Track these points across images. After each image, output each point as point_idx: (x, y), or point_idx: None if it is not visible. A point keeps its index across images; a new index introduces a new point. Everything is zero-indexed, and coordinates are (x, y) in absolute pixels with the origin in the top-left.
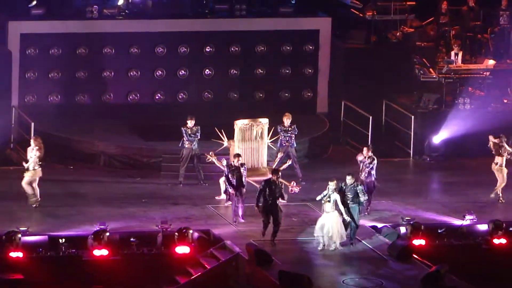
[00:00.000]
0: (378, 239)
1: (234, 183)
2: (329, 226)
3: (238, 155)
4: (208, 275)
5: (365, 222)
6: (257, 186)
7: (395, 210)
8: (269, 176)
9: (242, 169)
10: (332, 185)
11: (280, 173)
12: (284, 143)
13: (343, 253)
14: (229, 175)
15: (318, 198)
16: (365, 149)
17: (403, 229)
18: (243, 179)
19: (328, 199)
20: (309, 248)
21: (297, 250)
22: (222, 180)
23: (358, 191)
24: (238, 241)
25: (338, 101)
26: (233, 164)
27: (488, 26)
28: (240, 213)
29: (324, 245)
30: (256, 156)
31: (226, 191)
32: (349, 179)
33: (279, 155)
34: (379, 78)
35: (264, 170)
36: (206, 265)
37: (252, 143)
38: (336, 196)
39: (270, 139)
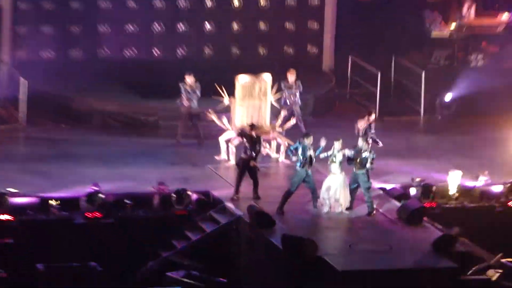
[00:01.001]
0: (388, 202)
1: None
2: (335, 188)
3: (252, 126)
4: (207, 239)
5: (373, 184)
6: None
7: (404, 171)
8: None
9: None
10: (337, 144)
11: (256, 127)
12: (288, 100)
13: (350, 216)
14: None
15: (322, 155)
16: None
17: (413, 191)
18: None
19: (334, 159)
20: (314, 211)
21: (301, 212)
22: (222, 138)
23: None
24: (239, 203)
25: (344, 57)
26: (253, 135)
27: None
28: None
29: (330, 208)
30: (258, 114)
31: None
32: (361, 143)
33: (283, 113)
34: (388, 33)
35: (267, 128)
36: (205, 229)
37: (254, 101)
38: (340, 156)
39: (273, 96)
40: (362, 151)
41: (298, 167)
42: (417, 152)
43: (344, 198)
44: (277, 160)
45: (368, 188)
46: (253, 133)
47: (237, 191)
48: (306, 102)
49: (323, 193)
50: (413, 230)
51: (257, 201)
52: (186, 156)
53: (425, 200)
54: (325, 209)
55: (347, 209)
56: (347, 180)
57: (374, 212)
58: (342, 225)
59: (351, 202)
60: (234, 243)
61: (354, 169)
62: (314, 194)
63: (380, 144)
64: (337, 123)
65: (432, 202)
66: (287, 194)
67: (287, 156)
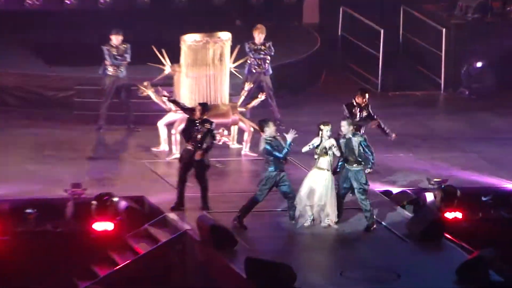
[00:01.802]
0: (394, 211)
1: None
2: (321, 192)
3: (204, 107)
4: (140, 264)
5: (375, 186)
6: (217, 135)
7: (418, 168)
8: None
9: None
10: (326, 130)
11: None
12: (255, 68)
13: (341, 232)
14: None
15: (305, 149)
16: (359, 94)
17: (430, 196)
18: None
19: (324, 150)
20: (291, 224)
21: (273, 227)
22: (162, 123)
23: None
24: (185, 213)
25: (334, 7)
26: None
27: None
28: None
29: (313, 220)
30: (213, 88)
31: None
32: (345, 126)
33: (247, 86)
34: None
35: (224, 108)
36: (137, 250)
37: (207, 69)
38: (331, 143)
39: (234, 63)
40: (347, 138)
41: (269, 169)
42: (435, 141)
43: (332, 206)
44: (238, 152)
45: (365, 192)
46: (200, 115)
47: (180, 197)
48: (281, 71)
49: (303, 199)
50: (429, 251)
51: (207, 211)
52: (112, 147)
53: (447, 209)
54: (307, 221)
55: (336, 222)
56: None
57: (375, 225)
58: (330, 244)
59: (341, 211)
60: (178, 270)
61: (346, 164)
62: (291, 200)
63: (392, 136)
64: (324, 101)
65: (456, 211)
66: (252, 204)
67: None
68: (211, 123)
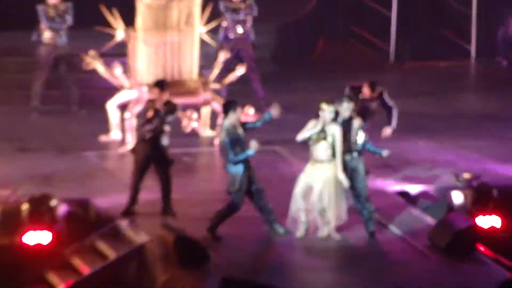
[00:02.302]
0: (412, 217)
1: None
2: (320, 191)
3: (161, 85)
4: (85, 285)
5: (387, 184)
6: (184, 119)
7: (442, 161)
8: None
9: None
10: (328, 109)
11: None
12: (232, 33)
13: (344, 244)
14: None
15: (302, 136)
16: (366, 87)
17: (458, 197)
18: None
19: (323, 135)
20: (279, 234)
21: (256, 237)
22: (112, 104)
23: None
24: (143, 221)
25: None
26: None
27: None
28: None
29: (306, 229)
30: (178, 59)
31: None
32: (344, 106)
33: (222, 56)
34: None
35: (193, 85)
36: (81, 268)
37: (171, 35)
38: (335, 130)
39: (205, 27)
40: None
41: (235, 169)
42: (463, 125)
43: (335, 210)
44: (211, 141)
45: (364, 189)
46: (160, 96)
47: (133, 199)
48: (265, 36)
49: (297, 200)
50: (458, 268)
51: (170, 217)
52: (49, 135)
53: (480, 214)
54: (299, 231)
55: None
56: (340, 175)
57: (374, 231)
58: (331, 260)
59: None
60: None
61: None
62: (267, 215)
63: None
64: (321, 76)
65: (492, 216)
66: (230, 210)
67: None
68: (174, 105)
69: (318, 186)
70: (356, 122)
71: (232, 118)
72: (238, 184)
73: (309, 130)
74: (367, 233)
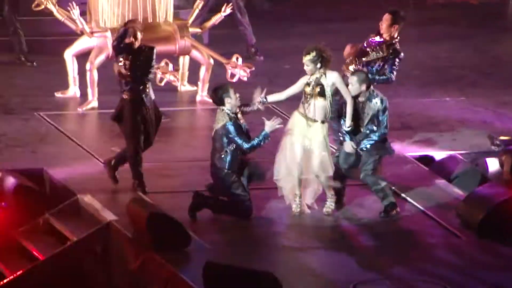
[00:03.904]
0: (437, 189)
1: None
2: (319, 158)
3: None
4: (40, 275)
5: (406, 149)
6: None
7: (474, 120)
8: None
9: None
10: (306, 58)
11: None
12: None
13: (350, 219)
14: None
15: (291, 90)
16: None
17: (494, 163)
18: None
19: (320, 88)
20: (271, 210)
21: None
22: (70, 52)
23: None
24: (108, 196)
25: None
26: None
27: None
28: None
29: (300, 204)
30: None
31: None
32: (354, 84)
33: None
34: None
35: (168, 29)
36: (36, 252)
37: None
38: (334, 78)
39: None
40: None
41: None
42: (501, 77)
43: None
44: (192, 98)
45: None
46: (131, 40)
47: (117, 160)
48: None
49: (293, 168)
50: (493, 250)
51: (143, 192)
52: None
53: None
54: (296, 205)
55: (337, 201)
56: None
57: (398, 208)
58: (334, 241)
59: (343, 194)
60: (98, 282)
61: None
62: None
63: None
64: (324, 11)
65: None
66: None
67: None
68: (151, 48)
69: (316, 152)
70: (376, 103)
71: (230, 103)
72: (237, 188)
73: (302, 81)
74: (382, 210)
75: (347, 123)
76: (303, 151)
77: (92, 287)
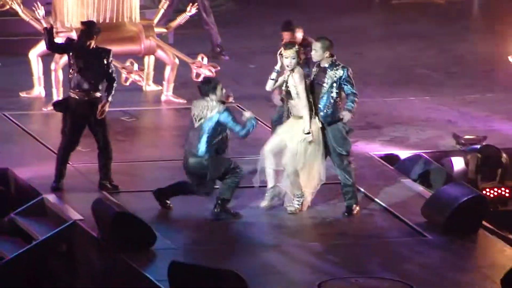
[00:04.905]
0: (402, 188)
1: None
2: (293, 151)
3: (88, 27)
4: (5, 273)
5: (371, 148)
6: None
7: (439, 119)
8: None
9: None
10: (285, 54)
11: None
12: None
13: (318, 221)
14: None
15: (270, 84)
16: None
17: (459, 163)
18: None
19: (287, 87)
20: (239, 207)
21: (209, 215)
22: (35, 53)
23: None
24: (74, 195)
25: None
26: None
27: None
28: None
29: (272, 198)
30: None
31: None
32: (318, 50)
33: None
34: None
35: (133, 29)
36: (1, 252)
37: None
38: (294, 76)
39: None
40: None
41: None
42: (466, 75)
43: (318, 172)
44: (157, 97)
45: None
46: (87, 40)
47: (60, 173)
48: None
49: (265, 158)
50: (459, 250)
51: (109, 191)
52: None
53: (486, 184)
54: (266, 199)
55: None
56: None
57: (357, 207)
58: (301, 238)
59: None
60: (65, 281)
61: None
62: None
63: None
64: (292, 11)
65: (501, 187)
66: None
67: None
68: (107, 52)
69: (292, 144)
70: (337, 72)
71: (218, 97)
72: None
73: (273, 75)
74: (345, 210)
75: (305, 129)
76: (280, 142)
77: (57, 287)
